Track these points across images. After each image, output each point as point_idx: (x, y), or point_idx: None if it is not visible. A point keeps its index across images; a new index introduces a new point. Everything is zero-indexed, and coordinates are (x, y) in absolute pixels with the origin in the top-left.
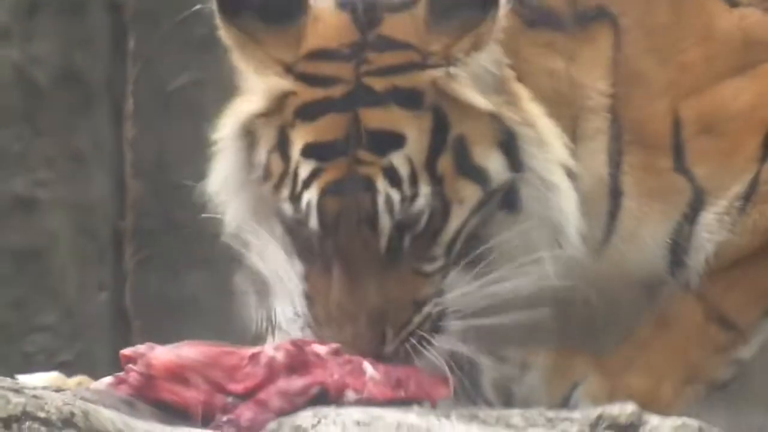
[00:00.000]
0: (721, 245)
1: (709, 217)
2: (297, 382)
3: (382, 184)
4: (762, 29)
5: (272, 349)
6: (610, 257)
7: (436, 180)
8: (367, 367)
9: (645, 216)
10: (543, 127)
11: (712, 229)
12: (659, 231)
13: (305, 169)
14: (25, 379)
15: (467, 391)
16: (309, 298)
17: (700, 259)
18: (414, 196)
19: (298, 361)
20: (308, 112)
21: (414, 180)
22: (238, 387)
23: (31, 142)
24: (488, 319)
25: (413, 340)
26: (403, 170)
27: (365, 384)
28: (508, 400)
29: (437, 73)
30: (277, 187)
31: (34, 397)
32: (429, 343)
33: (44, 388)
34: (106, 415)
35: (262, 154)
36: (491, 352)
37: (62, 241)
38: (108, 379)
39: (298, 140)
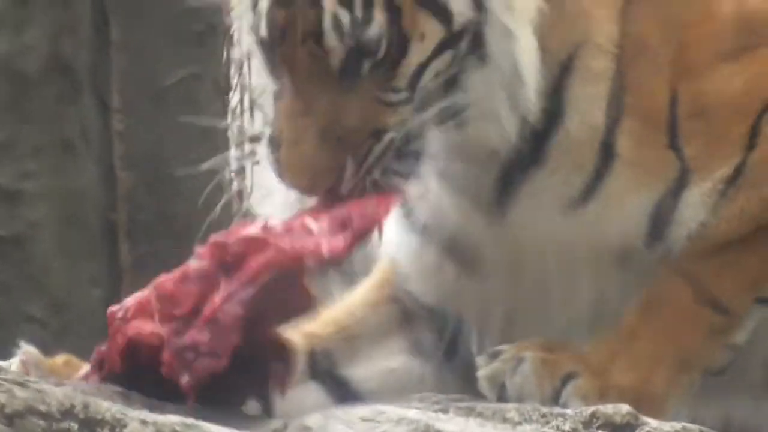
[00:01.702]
0: (705, 226)
1: (693, 196)
2: (243, 278)
3: (329, 3)
4: (758, 14)
5: (194, 261)
6: (582, 219)
7: (394, 9)
8: (311, 222)
9: (633, 185)
10: None
11: (696, 208)
12: (643, 202)
13: None
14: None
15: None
16: (273, 122)
17: (681, 234)
18: (367, 21)
19: (234, 256)
20: None
21: (368, 4)
22: (181, 310)
23: (18, 131)
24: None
25: (375, 175)
26: None
27: (319, 244)
28: (501, 393)
29: None
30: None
31: (37, 390)
32: (396, 173)
33: (45, 380)
34: (105, 406)
35: None
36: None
37: (50, 233)
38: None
39: None
